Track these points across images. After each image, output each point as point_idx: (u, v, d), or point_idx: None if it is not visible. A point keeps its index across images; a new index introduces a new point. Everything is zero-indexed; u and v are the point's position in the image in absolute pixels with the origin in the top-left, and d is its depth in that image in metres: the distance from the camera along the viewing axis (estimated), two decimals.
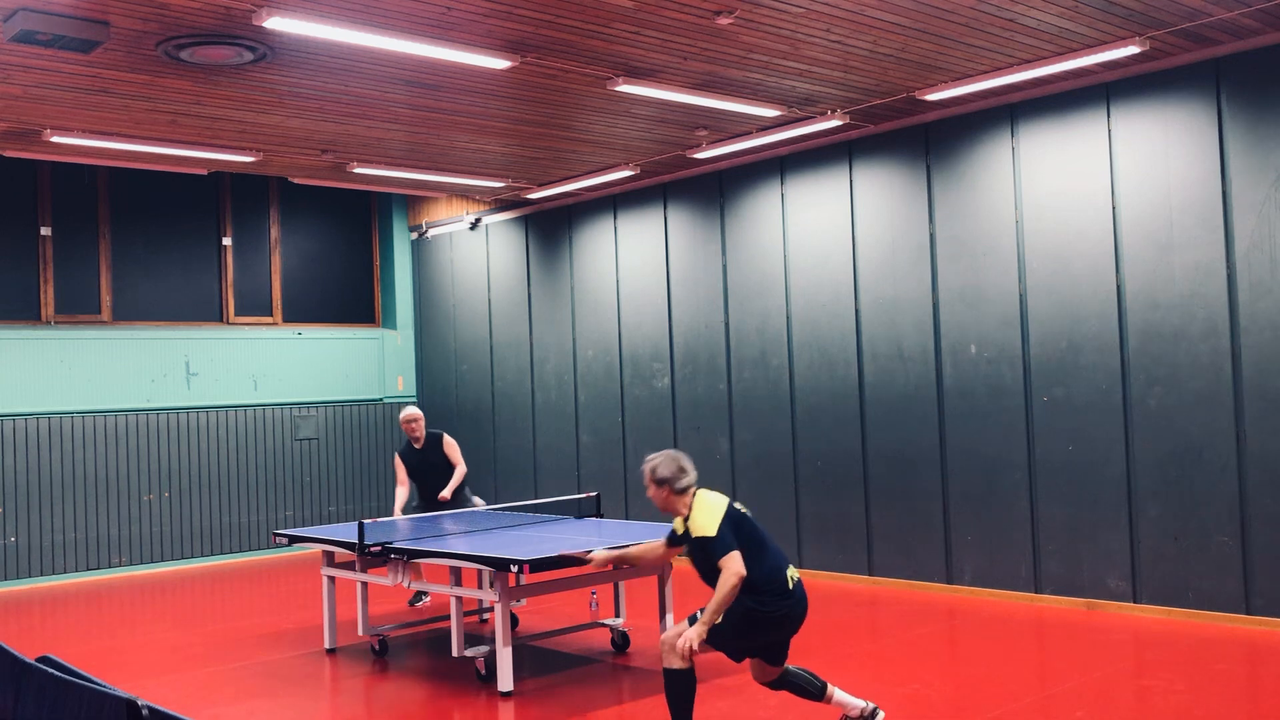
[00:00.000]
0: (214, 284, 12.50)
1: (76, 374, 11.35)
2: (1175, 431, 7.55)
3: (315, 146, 9.61)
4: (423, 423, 8.85)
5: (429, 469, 8.77)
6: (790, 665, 5.30)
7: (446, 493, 8.61)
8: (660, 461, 5.21)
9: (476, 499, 9.03)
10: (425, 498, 8.84)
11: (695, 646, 4.92)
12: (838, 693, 5.28)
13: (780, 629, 5.11)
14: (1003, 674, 6.40)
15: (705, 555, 5.03)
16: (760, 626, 5.04)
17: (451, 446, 8.78)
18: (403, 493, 8.78)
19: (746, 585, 4.95)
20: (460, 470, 8.71)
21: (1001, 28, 6.82)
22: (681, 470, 5.18)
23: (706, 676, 6.50)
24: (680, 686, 5.03)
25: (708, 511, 5.06)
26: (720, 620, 4.95)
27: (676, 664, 5.00)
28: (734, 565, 4.90)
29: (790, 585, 5.06)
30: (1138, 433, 7.71)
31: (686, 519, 5.17)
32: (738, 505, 5.17)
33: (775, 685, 5.30)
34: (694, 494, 5.19)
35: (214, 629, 8.55)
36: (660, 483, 5.19)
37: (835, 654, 7.00)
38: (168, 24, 6.35)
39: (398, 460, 8.84)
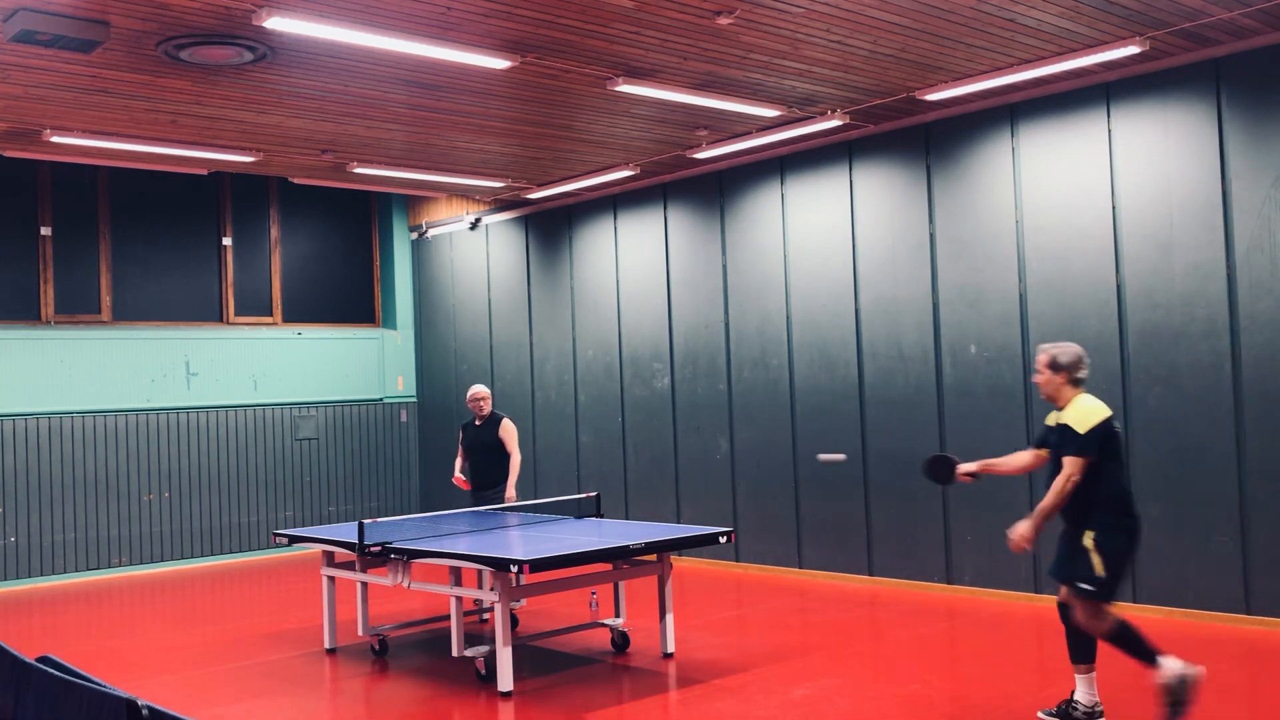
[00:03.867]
0: (214, 284, 12.50)
1: (76, 374, 11.35)
2: (1175, 431, 7.55)
3: (315, 146, 9.61)
4: (488, 401, 8.85)
5: (481, 447, 8.80)
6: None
7: (511, 492, 8.60)
8: (1063, 350, 5.32)
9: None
10: (475, 474, 8.87)
11: (1023, 536, 5.21)
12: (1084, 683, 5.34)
13: (1132, 554, 5.24)
14: (1003, 674, 6.40)
15: (1060, 449, 5.18)
16: (1125, 556, 5.16)
17: (507, 431, 8.70)
18: (460, 462, 8.97)
19: (1109, 499, 5.12)
20: (515, 460, 8.67)
21: (1001, 28, 6.82)
22: (1081, 362, 5.32)
23: (706, 677, 6.50)
24: (1125, 635, 5.13)
25: (1087, 411, 5.19)
26: (1104, 557, 5.10)
27: (1109, 622, 5.13)
28: (1072, 468, 5.08)
29: (1135, 510, 5.22)
30: (1138, 433, 7.71)
31: (1060, 411, 5.30)
32: (1115, 424, 5.26)
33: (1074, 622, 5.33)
34: (1080, 393, 5.30)
35: (214, 629, 8.56)
36: (1058, 368, 5.29)
37: (836, 654, 7.00)
38: (168, 24, 6.36)
39: (460, 432, 9.00)
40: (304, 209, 13.14)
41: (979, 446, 8.54)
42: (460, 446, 8.96)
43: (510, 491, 8.60)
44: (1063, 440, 5.19)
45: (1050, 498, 5.14)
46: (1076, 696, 5.37)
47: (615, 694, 6.37)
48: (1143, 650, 5.10)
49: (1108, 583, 5.13)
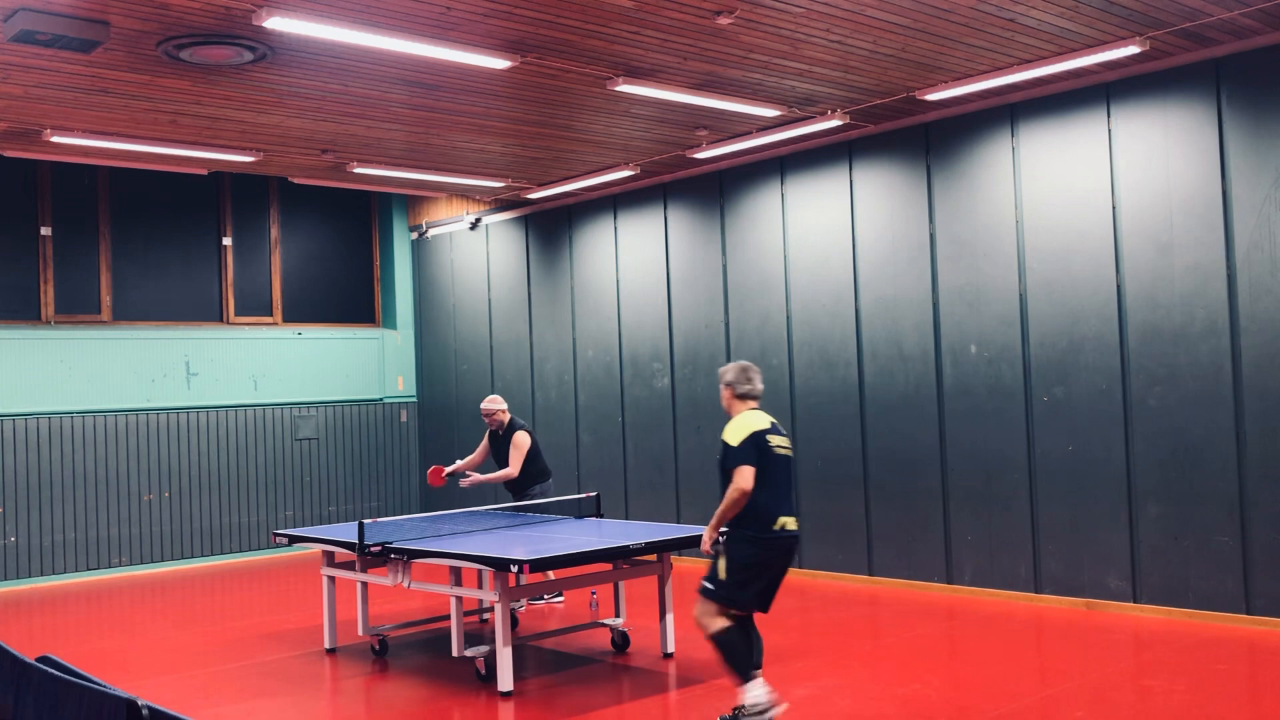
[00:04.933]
0: (214, 284, 12.50)
1: (76, 374, 11.35)
2: (1175, 431, 7.55)
3: (315, 146, 9.61)
4: (500, 414, 8.80)
5: (500, 457, 8.84)
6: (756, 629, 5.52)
7: (477, 477, 8.69)
8: (729, 367, 5.64)
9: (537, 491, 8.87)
10: (506, 484, 8.91)
11: (707, 542, 5.33)
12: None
13: (768, 572, 5.30)
14: (1003, 674, 6.40)
15: (722, 462, 5.30)
16: (755, 571, 5.26)
17: (514, 445, 8.67)
18: (469, 459, 8.99)
19: (748, 510, 5.20)
20: (504, 472, 8.65)
21: (1001, 28, 6.82)
22: (745, 379, 5.54)
23: (706, 677, 6.50)
24: (727, 645, 5.25)
25: (741, 424, 5.34)
26: (728, 562, 5.25)
27: (714, 627, 5.27)
28: (741, 479, 5.17)
29: (776, 527, 5.27)
30: (1138, 433, 7.71)
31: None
32: (775, 439, 5.36)
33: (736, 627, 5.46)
34: (748, 406, 5.49)
35: (214, 629, 8.56)
36: (725, 384, 5.59)
37: (835, 654, 7.00)
38: (168, 24, 6.36)
39: (486, 437, 9.03)
40: (304, 209, 13.13)
41: (979, 446, 8.55)
42: (481, 447, 8.98)
43: (477, 476, 8.67)
44: (723, 454, 5.33)
45: (721, 505, 5.25)
46: (746, 700, 5.33)
47: (615, 694, 6.37)
48: (738, 666, 5.25)
49: (727, 586, 5.27)
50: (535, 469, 8.80)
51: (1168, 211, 7.58)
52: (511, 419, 8.88)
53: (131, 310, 11.91)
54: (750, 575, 5.26)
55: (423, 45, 6.72)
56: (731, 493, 5.19)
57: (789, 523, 5.30)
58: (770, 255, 9.95)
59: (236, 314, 12.59)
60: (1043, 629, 7.52)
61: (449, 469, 8.92)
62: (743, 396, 5.52)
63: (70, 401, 11.29)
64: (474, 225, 12.91)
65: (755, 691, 5.21)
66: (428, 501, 13.42)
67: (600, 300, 11.51)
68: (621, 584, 7.32)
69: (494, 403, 8.87)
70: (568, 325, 11.84)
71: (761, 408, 5.64)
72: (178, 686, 6.82)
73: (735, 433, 5.31)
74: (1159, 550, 7.63)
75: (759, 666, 5.43)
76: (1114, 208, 7.84)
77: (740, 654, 5.26)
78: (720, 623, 5.28)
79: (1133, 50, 7.12)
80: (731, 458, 5.25)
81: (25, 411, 11.04)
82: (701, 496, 10.49)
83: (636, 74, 7.56)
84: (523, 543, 6.77)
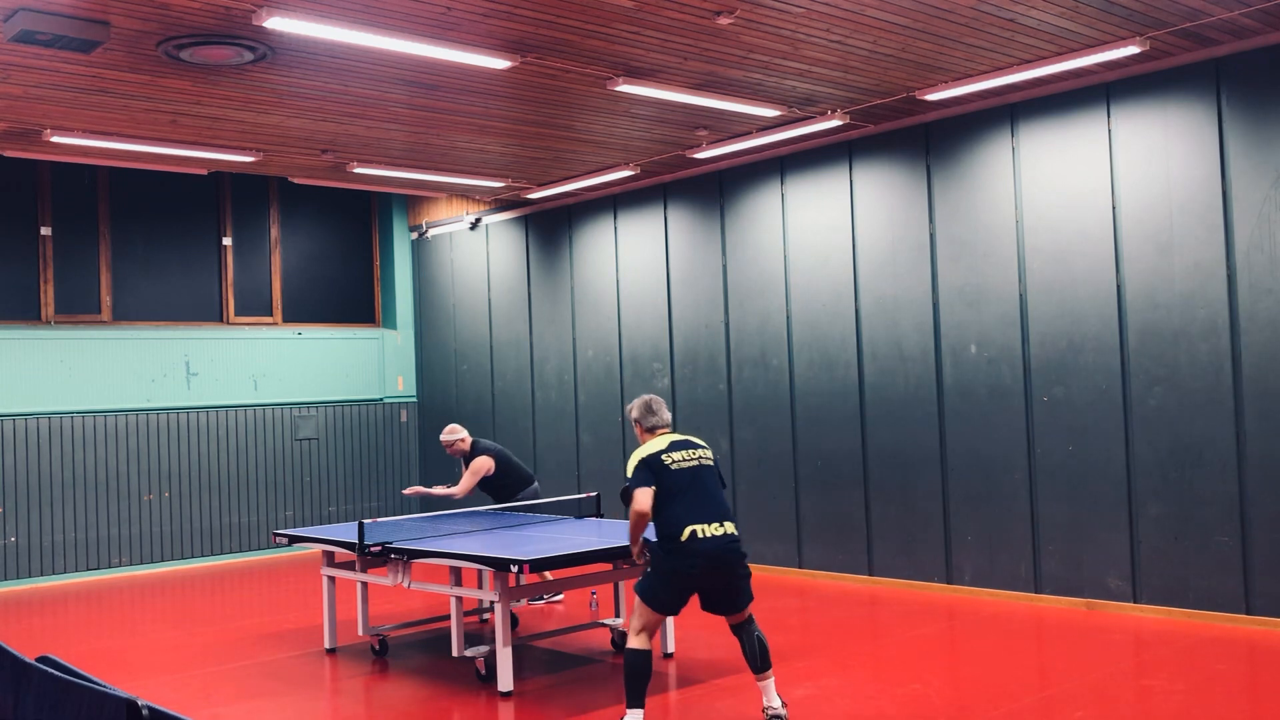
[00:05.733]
0: (214, 284, 12.50)
1: (76, 374, 11.35)
2: (1175, 431, 7.55)
3: (315, 146, 9.61)
4: (459, 444, 8.62)
5: (482, 485, 8.76)
6: (757, 630, 5.56)
7: (419, 488, 8.78)
8: (631, 406, 5.82)
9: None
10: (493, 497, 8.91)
11: (636, 555, 5.63)
12: (770, 683, 5.53)
13: (684, 580, 5.38)
14: (1003, 674, 6.40)
15: (622, 493, 5.52)
16: (667, 578, 5.39)
17: (470, 470, 8.54)
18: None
19: (661, 525, 5.38)
20: (451, 488, 8.59)
21: (1001, 28, 6.82)
22: (649, 412, 5.73)
23: (706, 676, 6.50)
24: (630, 665, 5.36)
25: (637, 454, 5.53)
26: (652, 563, 5.50)
27: (631, 642, 5.37)
28: (635, 502, 5.34)
29: (684, 538, 5.32)
30: (1138, 433, 7.71)
31: None
32: (674, 455, 5.51)
33: (734, 632, 5.60)
34: (657, 435, 5.68)
35: (214, 629, 8.56)
36: (634, 423, 5.79)
37: (835, 654, 7.00)
38: (168, 24, 6.36)
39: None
40: (304, 209, 13.13)
41: (979, 446, 8.55)
42: None
43: (419, 487, 8.71)
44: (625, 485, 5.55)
45: (629, 529, 5.50)
46: (764, 703, 5.52)
47: (615, 694, 6.37)
48: (632, 689, 5.33)
49: (651, 586, 5.42)
50: (512, 480, 8.73)
51: (1168, 211, 7.58)
52: (474, 443, 8.70)
53: (131, 310, 11.91)
54: (663, 581, 5.40)
55: (423, 45, 6.72)
56: (630, 516, 5.40)
57: (705, 529, 5.34)
58: (770, 255, 9.95)
59: (236, 314, 12.60)
60: (1043, 629, 7.52)
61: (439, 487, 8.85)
62: (651, 429, 5.73)
63: (70, 401, 11.29)
64: (474, 225, 12.91)
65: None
66: (428, 501, 13.41)
67: (600, 300, 11.51)
68: (621, 584, 7.32)
69: (451, 433, 8.67)
70: (568, 325, 11.84)
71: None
72: (178, 686, 6.82)
73: (630, 465, 5.52)
74: (1159, 550, 7.63)
75: (768, 668, 5.48)
76: (1114, 208, 7.84)
77: (639, 679, 5.34)
78: (636, 641, 5.36)
79: (1133, 50, 7.12)
80: (628, 487, 5.44)
81: (25, 411, 11.04)
82: None
83: (636, 74, 7.56)
84: (523, 543, 6.77)
